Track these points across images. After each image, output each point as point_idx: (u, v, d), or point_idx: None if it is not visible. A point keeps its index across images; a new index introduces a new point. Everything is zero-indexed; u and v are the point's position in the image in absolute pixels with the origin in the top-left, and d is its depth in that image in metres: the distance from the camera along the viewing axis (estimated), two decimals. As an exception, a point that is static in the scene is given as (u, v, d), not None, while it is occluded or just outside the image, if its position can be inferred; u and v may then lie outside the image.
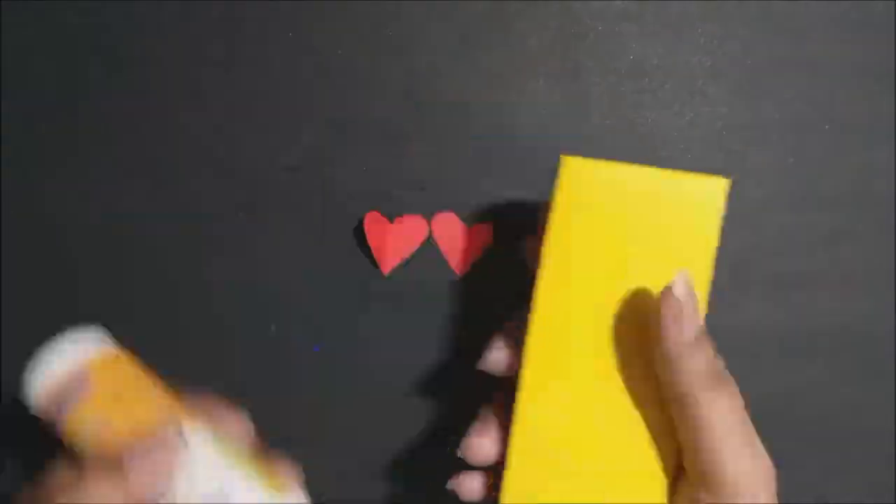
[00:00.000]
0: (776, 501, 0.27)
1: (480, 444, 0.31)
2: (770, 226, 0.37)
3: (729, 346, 0.37)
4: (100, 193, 0.39)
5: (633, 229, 0.29)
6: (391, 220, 0.37)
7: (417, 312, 0.38)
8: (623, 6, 0.37)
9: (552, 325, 0.30)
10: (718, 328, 0.38)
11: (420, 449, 0.39)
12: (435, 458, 0.36)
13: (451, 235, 0.37)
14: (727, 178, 0.29)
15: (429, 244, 0.38)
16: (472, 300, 0.38)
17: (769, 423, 0.38)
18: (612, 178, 0.29)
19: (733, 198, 0.38)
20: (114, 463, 0.27)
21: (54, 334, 0.29)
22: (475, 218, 0.38)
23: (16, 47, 0.39)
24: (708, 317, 0.38)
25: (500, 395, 0.32)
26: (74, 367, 0.28)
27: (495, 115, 0.37)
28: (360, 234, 0.38)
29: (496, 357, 0.31)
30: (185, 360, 0.39)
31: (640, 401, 0.30)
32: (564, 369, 0.30)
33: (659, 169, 0.30)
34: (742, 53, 0.37)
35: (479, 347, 0.32)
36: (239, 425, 0.31)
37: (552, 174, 0.37)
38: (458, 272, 0.35)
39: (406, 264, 0.38)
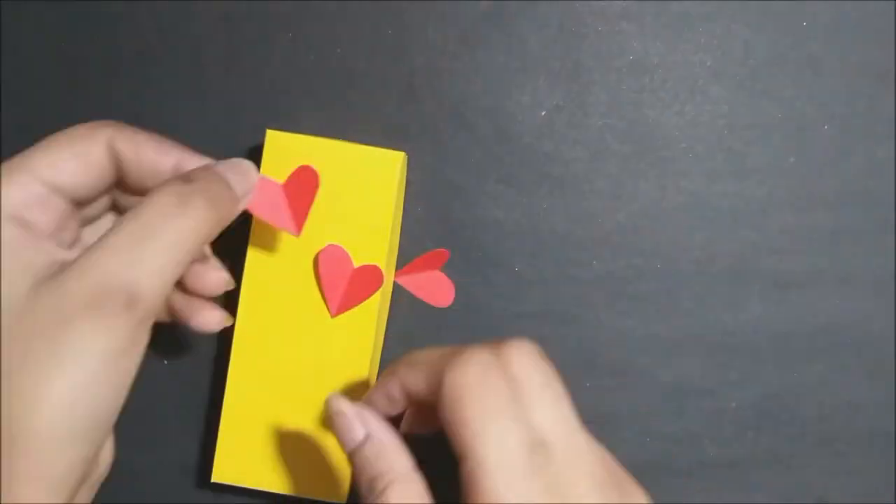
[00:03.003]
0: None
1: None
2: (770, 225, 0.37)
3: (729, 346, 0.38)
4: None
5: (326, 199, 0.33)
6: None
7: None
8: (623, 6, 0.37)
9: (260, 293, 0.34)
10: (718, 328, 0.38)
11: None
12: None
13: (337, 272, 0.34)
14: (403, 153, 0.34)
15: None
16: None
17: (769, 423, 0.38)
18: (310, 151, 0.33)
19: (734, 197, 0.38)
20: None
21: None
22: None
23: (16, 47, 0.39)
24: (708, 317, 0.38)
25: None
26: None
27: (495, 114, 0.37)
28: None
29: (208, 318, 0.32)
30: (184, 359, 0.39)
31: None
32: (271, 340, 0.34)
33: (350, 143, 0.34)
34: (743, 53, 0.37)
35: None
36: None
37: (552, 175, 0.38)
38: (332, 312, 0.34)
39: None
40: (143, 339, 0.25)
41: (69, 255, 0.26)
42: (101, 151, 0.28)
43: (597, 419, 0.38)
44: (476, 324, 0.38)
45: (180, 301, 0.32)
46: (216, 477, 0.35)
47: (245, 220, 0.38)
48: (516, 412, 0.25)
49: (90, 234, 0.30)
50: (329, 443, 0.34)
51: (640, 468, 0.38)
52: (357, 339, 0.34)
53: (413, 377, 0.28)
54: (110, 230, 0.25)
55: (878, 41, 0.37)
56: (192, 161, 0.29)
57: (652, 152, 0.37)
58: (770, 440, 0.38)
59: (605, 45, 0.37)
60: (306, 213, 0.33)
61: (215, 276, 0.32)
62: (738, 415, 0.37)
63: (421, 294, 0.37)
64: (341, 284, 0.34)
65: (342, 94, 0.38)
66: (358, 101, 0.38)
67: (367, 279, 0.34)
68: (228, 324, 0.33)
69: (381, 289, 0.34)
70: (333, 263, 0.34)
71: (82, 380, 0.24)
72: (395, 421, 0.30)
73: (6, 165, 0.27)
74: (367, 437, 0.27)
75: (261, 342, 0.34)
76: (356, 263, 0.34)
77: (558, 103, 0.37)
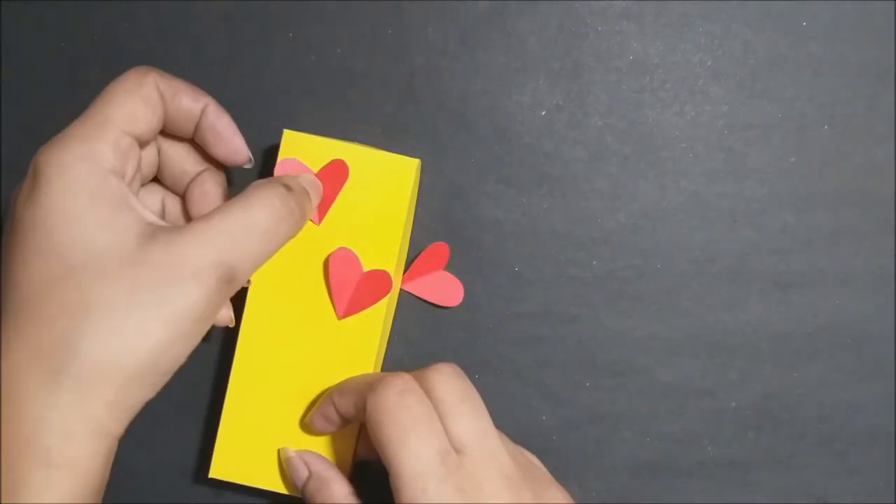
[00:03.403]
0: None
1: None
2: (771, 225, 0.37)
3: (729, 346, 0.38)
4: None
5: (339, 201, 0.34)
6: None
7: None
8: (623, 6, 0.37)
9: (268, 291, 0.34)
10: (718, 328, 0.38)
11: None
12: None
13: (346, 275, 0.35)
14: (418, 159, 0.34)
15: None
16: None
17: (769, 423, 0.38)
18: (325, 152, 0.34)
19: (734, 197, 0.38)
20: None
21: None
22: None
23: (16, 47, 0.39)
24: (708, 317, 0.38)
25: None
26: None
27: (495, 114, 0.37)
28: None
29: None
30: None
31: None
32: (276, 338, 0.34)
33: (365, 146, 0.34)
34: (743, 53, 0.37)
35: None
36: None
37: (552, 175, 0.38)
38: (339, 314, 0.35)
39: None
40: (220, 310, 0.29)
41: (149, 213, 0.29)
42: (156, 95, 0.31)
43: (597, 419, 0.38)
44: (476, 324, 0.38)
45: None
46: (214, 473, 0.35)
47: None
48: (431, 427, 0.29)
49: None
50: (329, 442, 0.34)
51: (640, 468, 0.38)
52: (362, 341, 0.34)
53: (344, 402, 0.32)
54: (219, 212, 0.29)
55: (878, 41, 0.37)
56: (217, 111, 0.32)
57: (652, 152, 0.37)
58: (770, 440, 0.38)
59: (605, 45, 0.37)
60: (330, 205, 0.34)
61: (224, 313, 0.33)
62: (738, 415, 0.37)
63: (430, 297, 0.37)
64: (350, 287, 0.34)
65: (342, 94, 0.38)
66: (358, 101, 0.38)
67: (376, 284, 0.34)
68: (232, 325, 0.33)
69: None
70: (343, 266, 0.34)
71: (175, 336, 0.27)
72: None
73: (92, 124, 0.29)
74: (310, 474, 0.33)
75: (266, 339, 0.34)
76: (365, 267, 0.34)
77: (558, 103, 0.37)
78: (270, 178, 0.31)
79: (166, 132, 0.32)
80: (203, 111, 0.32)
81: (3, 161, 0.39)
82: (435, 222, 0.38)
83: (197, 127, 0.32)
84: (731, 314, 0.37)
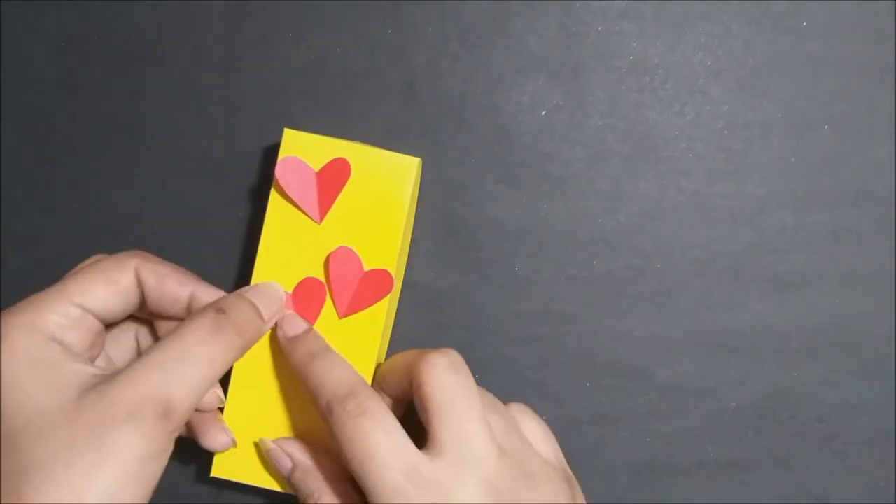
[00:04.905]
0: None
1: None
2: (771, 225, 0.37)
3: (729, 346, 0.38)
4: (99, 193, 0.39)
5: (339, 200, 0.34)
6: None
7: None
8: (623, 6, 0.37)
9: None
10: (718, 328, 0.38)
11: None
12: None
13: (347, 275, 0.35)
14: (419, 157, 0.34)
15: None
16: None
17: (769, 422, 0.38)
18: (326, 151, 0.34)
19: (734, 197, 0.38)
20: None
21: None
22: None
23: (16, 47, 0.39)
24: (708, 316, 0.38)
25: None
26: None
27: (495, 114, 0.37)
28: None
29: None
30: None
31: None
32: (276, 339, 0.34)
33: (366, 145, 0.34)
34: (743, 53, 0.37)
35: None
36: None
37: (552, 175, 0.38)
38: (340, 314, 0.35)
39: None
40: (171, 446, 0.29)
41: (101, 368, 0.29)
42: (128, 279, 0.32)
43: (597, 419, 0.38)
44: (476, 324, 0.38)
45: (195, 417, 0.34)
46: (215, 472, 0.35)
47: (258, 216, 0.38)
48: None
49: (110, 341, 0.34)
50: (330, 442, 0.34)
51: (640, 468, 0.38)
52: (363, 341, 0.34)
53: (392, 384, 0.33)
54: (153, 347, 0.29)
55: (878, 41, 0.37)
56: (207, 292, 0.33)
57: (652, 152, 0.37)
58: (770, 440, 0.38)
59: (605, 45, 0.37)
60: (331, 204, 0.34)
61: (212, 393, 0.34)
62: (738, 415, 0.37)
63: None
64: (351, 287, 0.34)
65: (342, 94, 0.38)
66: (358, 101, 0.38)
67: (377, 283, 0.34)
68: (235, 446, 0.34)
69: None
70: (344, 265, 0.34)
71: (121, 478, 0.27)
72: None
73: (45, 294, 0.30)
74: (294, 464, 0.33)
75: (267, 338, 0.34)
76: (366, 267, 0.34)
77: (558, 103, 0.37)
78: (206, 305, 0.32)
79: (152, 311, 0.33)
80: (192, 295, 0.32)
81: (3, 161, 0.39)
82: (435, 222, 0.38)
83: (189, 310, 0.33)
84: (731, 314, 0.37)
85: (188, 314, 0.33)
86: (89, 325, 0.31)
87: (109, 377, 0.28)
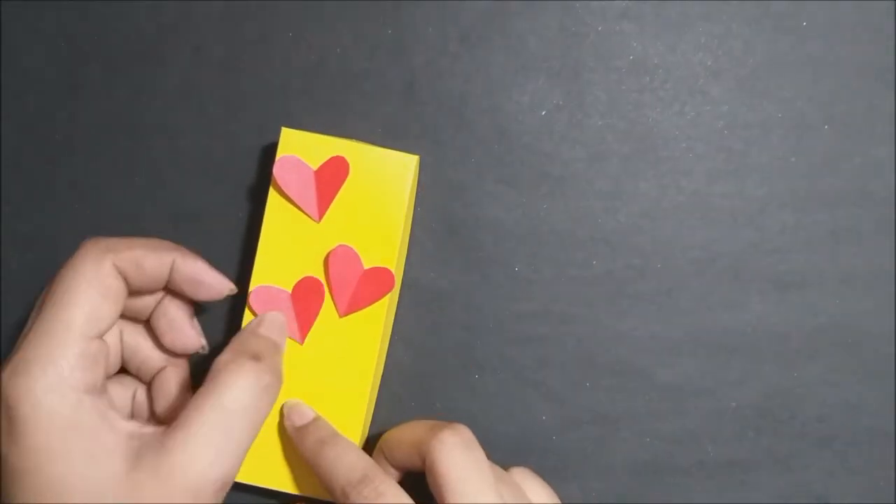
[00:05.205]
0: None
1: None
2: (771, 225, 0.37)
3: (729, 346, 0.38)
4: (99, 193, 0.39)
5: (338, 199, 0.34)
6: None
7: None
8: (623, 6, 0.37)
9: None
10: (718, 328, 0.38)
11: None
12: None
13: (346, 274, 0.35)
14: (417, 155, 0.34)
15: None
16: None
17: (769, 422, 0.38)
18: (323, 150, 0.34)
19: (734, 197, 0.38)
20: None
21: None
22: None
23: (16, 47, 0.39)
24: (708, 316, 0.38)
25: None
26: None
27: (495, 114, 0.37)
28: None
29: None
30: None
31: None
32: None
33: (364, 144, 0.34)
34: (743, 53, 0.37)
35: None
36: None
37: (552, 175, 0.38)
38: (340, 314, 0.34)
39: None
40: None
41: (136, 424, 0.29)
42: (116, 281, 0.30)
43: (597, 419, 0.38)
44: (476, 324, 0.38)
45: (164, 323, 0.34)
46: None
47: (258, 216, 0.38)
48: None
49: None
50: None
51: (640, 468, 0.38)
52: (364, 340, 0.34)
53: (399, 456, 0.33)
54: (196, 418, 0.28)
55: (878, 41, 0.37)
56: (186, 259, 0.32)
57: (652, 152, 0.37)
58: (770, 440, 0.38)
59: (605, 45, 0.37)
60: (330, 202, 0.34)
61: (194, 337, 0.34)
62: (737, 415, 0.37)
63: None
64: (351, 285, 0.34)
65: (342, 94, 0.38)
66: (358, 101, 0.38)
67: (377, 281, 0.34)
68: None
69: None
70: (344, 264, 0.34)
71: None
72: None
73: (53, 336, 0.28)
74: (315, 417, 0.34)
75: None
76: (366, 265, 0.34)
77: (558, 103, 0.37)
78: (235, 353, 0.30)
79: (138, 291, 0.32)
80: (172, 267, 0.32)
81: (3, 161, 0.39)
82: (435, 222, 0.38)
83: (170, 281, 0.32)
84: (731, 314, 0.37)
85: (171, 285, 0.32)
86: (104, 350, 0.30)
87: (156, 451, 0.28)
